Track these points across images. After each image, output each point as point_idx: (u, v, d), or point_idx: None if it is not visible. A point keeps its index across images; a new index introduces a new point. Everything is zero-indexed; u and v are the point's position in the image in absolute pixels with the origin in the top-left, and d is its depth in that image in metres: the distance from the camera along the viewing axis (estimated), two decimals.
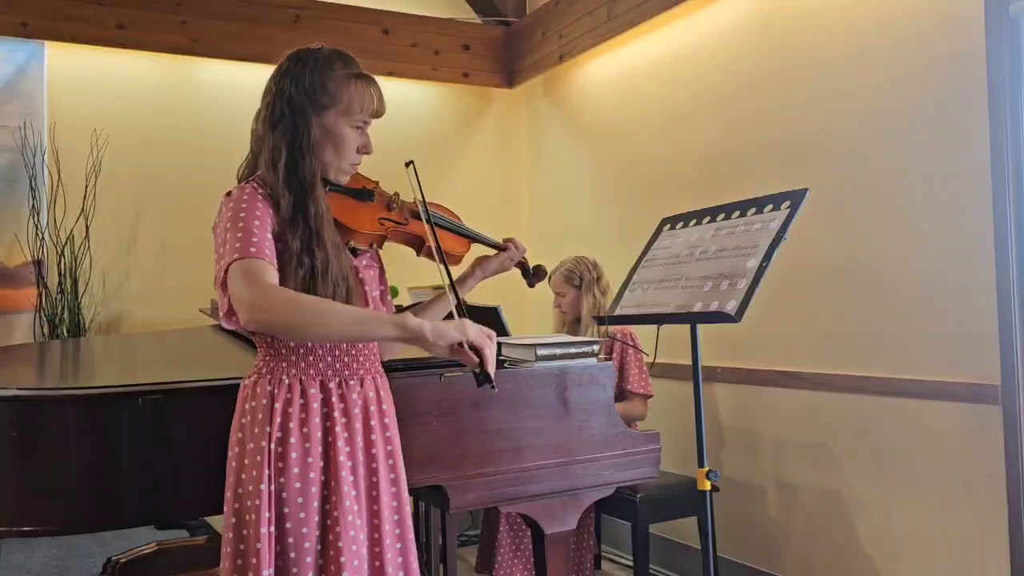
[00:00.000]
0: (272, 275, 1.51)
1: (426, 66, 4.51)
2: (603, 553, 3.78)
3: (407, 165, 1.76)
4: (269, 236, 1.54)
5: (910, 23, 2.72)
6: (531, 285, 2.12)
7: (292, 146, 1.61)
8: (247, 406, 1.61)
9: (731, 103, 3.42)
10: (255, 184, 1.61)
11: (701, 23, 3.57)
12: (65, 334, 3.72)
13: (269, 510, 1.53)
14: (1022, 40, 2.46)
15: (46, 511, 1.76)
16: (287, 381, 1.60)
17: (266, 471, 1.54)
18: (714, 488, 2.21)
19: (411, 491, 1.73)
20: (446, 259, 1.78)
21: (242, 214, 1.54)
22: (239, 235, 1.52)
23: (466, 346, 1.54)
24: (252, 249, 1.50)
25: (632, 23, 3.77)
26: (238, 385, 1.68)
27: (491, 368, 1.54)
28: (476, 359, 1.54)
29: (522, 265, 2.05)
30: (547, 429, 2.09)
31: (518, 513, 2.16)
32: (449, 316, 1.69)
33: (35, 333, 3.73)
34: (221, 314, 1.57)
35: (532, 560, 2.49)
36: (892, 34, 2.77)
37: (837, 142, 2.96)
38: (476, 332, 1.55)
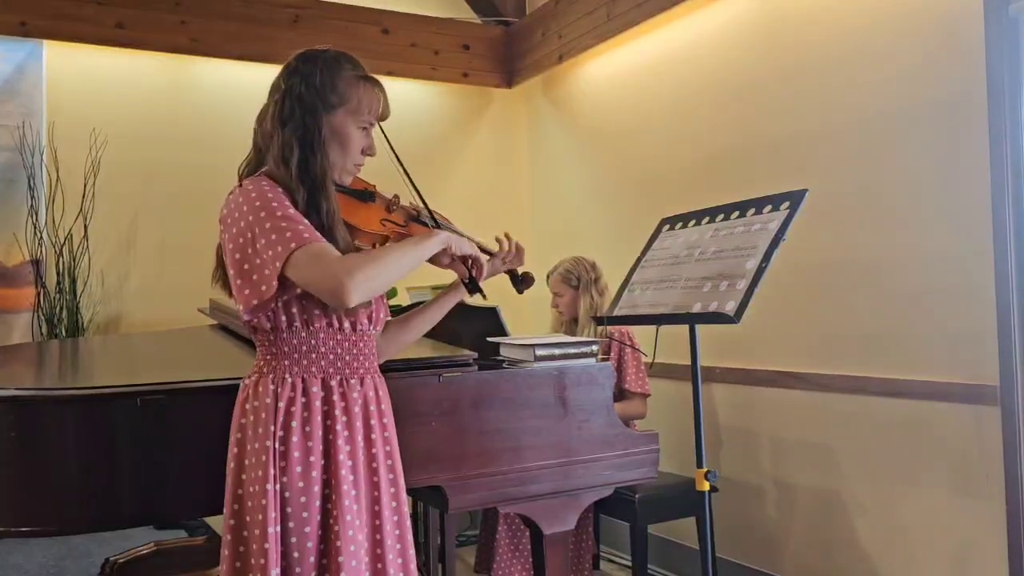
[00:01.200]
0: (336, 252, 1.54)
1: (425, 66, 4.51)
2: (602, 553, 3.78)
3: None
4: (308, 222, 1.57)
5: (910, 23, 2.72)
6: (519, 292, 2.11)
7: (303, 143, 1.61)
8: (247, 406, 1.60)
9: (730, 103, 3.42)
10: (267, 178, 1.62)
11: (700, 23, 3.57)
12: (64, 334, 3.71)
13: (275, 510, 1.53)
14: (1021, 40, 2.46)
15: (44, 511, 1.75)
16: (290, 379, 1.60)
17: (271, 470, 1.53)
18: (713, 488, 2.21)
19: (410, 491, 1.73)
20: (443, 262, 1.82)
21: (274, 203, 1.54)
22: (283, 224, 1.52)
23: (470, 260, 1.74)
24: (306, 235, 1.52)
25: (631, 23, 3.77)
26: (237, 385, 1.67)
27: (481, 279, 1.79)
28: (466, 271, 1.76)
29: (511, 271, 2.05)
30: (546, 429, 2.09)
31: (517, 513, 2.16)
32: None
33: (34, 333, 3.73)
34: (255, 301, 1.53)
35: (531, 560, 2.49)
36: (891, 34, 2.77)
37: (836, 142, 2.96)
38: (475, 247, 1.77)
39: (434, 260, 1.70)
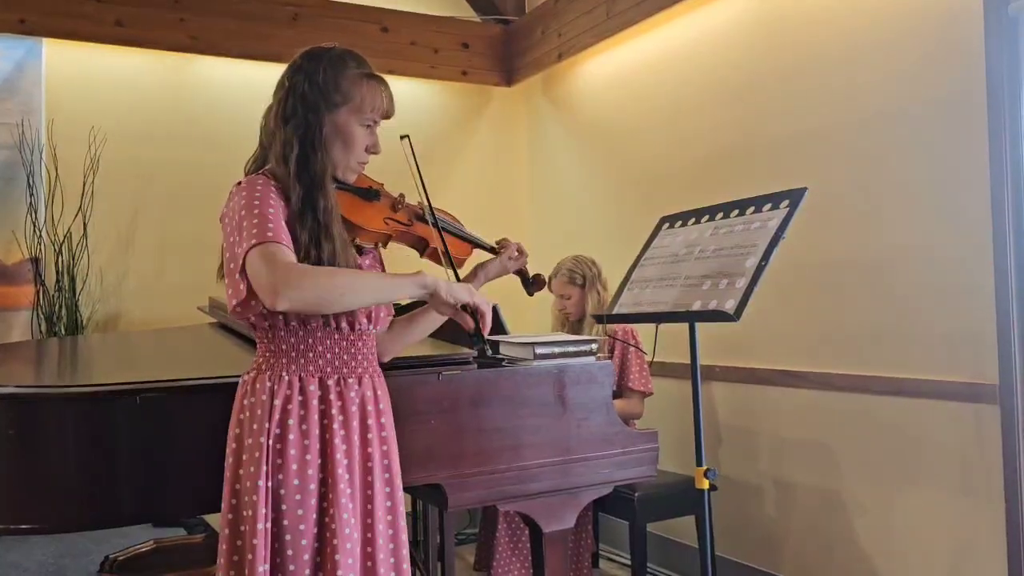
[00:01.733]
0: (291, 256, 1.51)
1: (425, 64, 4.50)
2: (601, 552, 3.78)
3: (402, 139, 1.77)
4: (284, 224, 1.55)
5: (909, 22, 2.72)
6: (530, 294, 2.12)
7: (304, 141, 1.61)
8: (245, 402, 1.61)
9: (730, 102, 3.42)
10: (266, 176, 1.62)
11: (700, 22, 3.57)
12: (63, 332, 3.71)
13: (266, 506, 1.53)
14: (1021, 39, 2.46)
15: (43, 509, 1.75)
16: (287, 377, 1.60)
17: (264, 467, 1.54)
18: (712, 487, 2.21)
19: (409, 489, 1.73)
20: (446, 263, 1.82)
21: (256, 202, 1.54)
22: (255, 221, 1.51)
23: (469, 308, 1.64)
24: (269, 234, 1.50)
25: (631, 22, 3.77)
26: (236, 383, 1.67)
27: (486, 332, 1.67)
28: (472, 322, 1.64)
29: (521, 273, 2.06)
30: (545, 428, 2.09)
31: (516, 511, 2.15)
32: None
33: (33, 331, 3.73)
34: (235, 302, 1.53)
35: (530, 559, 2.49)
36: (891, 33, 2.77)
37: (836, 141, 2.96)
38: (480, 297, 1.66)
39: (436, 309, 1.66)
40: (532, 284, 2.06)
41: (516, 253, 2.02)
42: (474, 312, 1.64)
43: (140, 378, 1.87)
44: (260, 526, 1.52)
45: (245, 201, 1.55)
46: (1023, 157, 2.46)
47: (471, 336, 1.67)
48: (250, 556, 1.52)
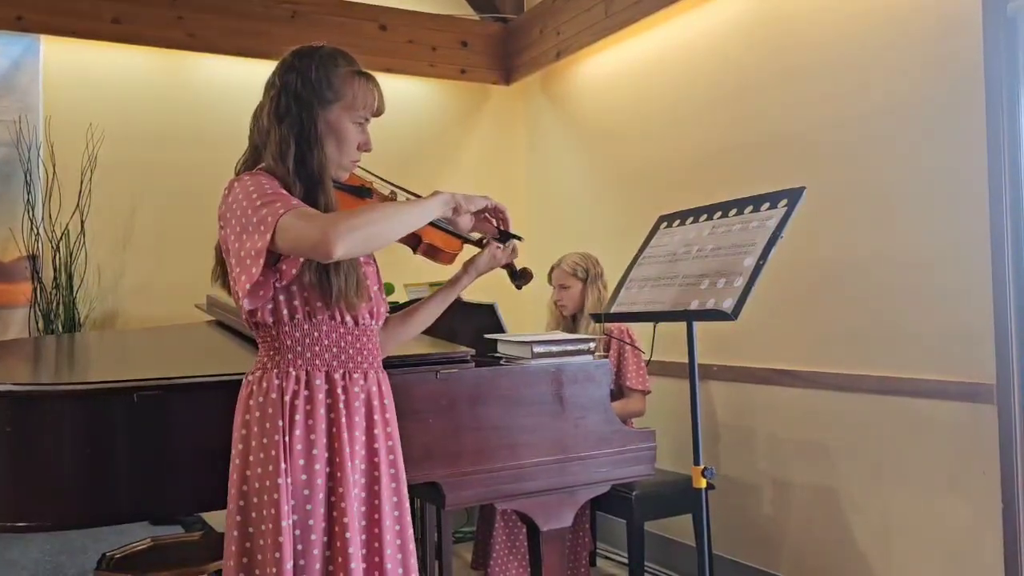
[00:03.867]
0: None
1: (423, 62, 4.50)
2: (598, 550, 3.78)
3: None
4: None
5: (908, 22, 2.72)
6: (518, 287, 2.11)
7: (300, 139, 1.61)
8: (252, 402, 1.60)
9: (728, 101, 3.42)
10: (263, 173, 1.61)
11: (698, 21, 3.57)
12: (60, 329, 3.71)
13: (288, 503, 1.53)
14: (1019, 39, 2.47)
15: (41, 507, 1.75)
16: (294, 372, 1.60)
17: (282, 464, 1.54)
18: (710, 486, 2.21)
19: (407, 488, 1.73)
20: (440, 258, 1.84)
21: (267, 186, 1.55)
22: (274, 197, 1.51)
23: (488, 209, 1.76)
24: (294, 203, 1.52)
25: (629, 21, 3.77)
26: (234, 381, 1.67)
27: (510, 228, 1.81)
28: (494, 225, 1.79)
29: (509, 266, 2.06)
30: (543, 426, 2.09)
31: (514, 510, 2.16)
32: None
33: (30, 328, 3.72)
34: (248, 286, 1.51)
35: (527, 557, 2.50)
36: (890, 33, 2.77)
37: (834, 141, 2.96)
38: (495, 200, 1.76)
39: (456, 225, 1.71)
40: (520, 277, 2.06)
41: (507, 248, 2.01)
42: (493, 212, 1.77)
43: (137, 376, 1.87)
44: (284, 523, 1.52)
45: (254, 188, 1.54)
46: (1021, 157, 2.46)
47: (496, 238, 1.81)
48: (277, 554, 1.51)
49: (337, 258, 1.45)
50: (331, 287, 1.59)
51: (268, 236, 1.47)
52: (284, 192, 1.55)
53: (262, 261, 1.49)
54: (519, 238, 1.85)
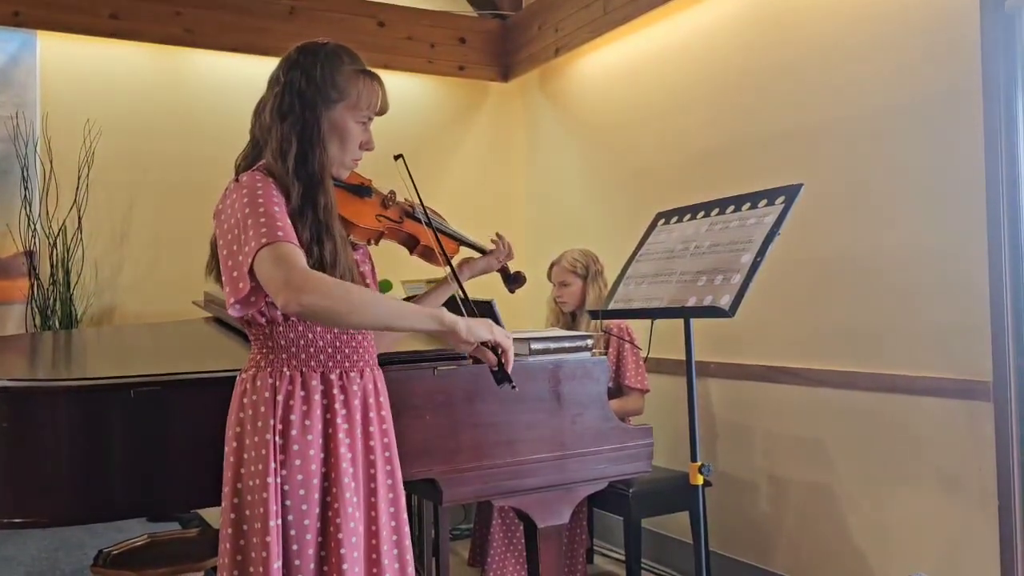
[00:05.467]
0: (304, 260, 1.49)
1: (421, 59, 4.50)
2: (595, 547, 3.78)
3: (396, 159, 1.76)
4: (289, 222, 1.53)
5: (905, 19, 2.72)
6: (511, 291, 2.12)
7: (302, 138, 1.60)
8: (245, 400, 1.60)
9: (726, 98, 3.42)
10: (263, 173, 1.60)
11: (696, 18, 3.57)
12: (57, 326, 3.70)
13: (276, 503, 1.53)
14: (1017, 36, 2.47)
15: (37, 503, 1.75)
16: (288, 373, 1.59)
17: (272, 464, 1.53)
18: (706, 483, 2.21)
19: (404, 484, 1.73)
20: (436, 260, 1.83)
21: (260, 199, 1.52)
22: (262, 220, 1.49)
23: (490, 345, 1.60)
24: (280, 233, 1.48)
25: (628, 17, 3.77)
26: (231, 378, 1.67)
27: (510, 368, 1.62)
28: (495, 358, 1.61)
29: (503, 270, 2.06)
30: (540, 423, 2.09)
31: (511, 507, 2.16)
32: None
33: (27, 324, 3.72)
34: (233, 299, 1.51)
35: (525, 554, 2.50)
36: (887, 30, 2.77)
37: (832, 137, 2.96)
38: (501, 333, 1.62)
39: (455, 347, 1.60)
40: (513, 281, 2.07)
41: (505, 252, 2.03)
42: (495, 348, 1.60)
43: (134, 372, 1.87)
44: (272, 523, 1.52)
45: (248, 199, 1.53)
46: (1019, 154, 2.46)
47: (493, 372, 1.62)
48: (264, 553, 1.51)
49: (290, 312, 1.46)
50: None
51: (248, 263, 1.47)
52: (274, 209, 1.52)
53: (249, 283, 1.49)
54: (513, 385, 1.62)
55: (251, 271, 1.48)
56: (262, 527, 1.52)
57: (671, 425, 3.27)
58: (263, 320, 1.61)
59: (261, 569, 1.52)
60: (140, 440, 1.78)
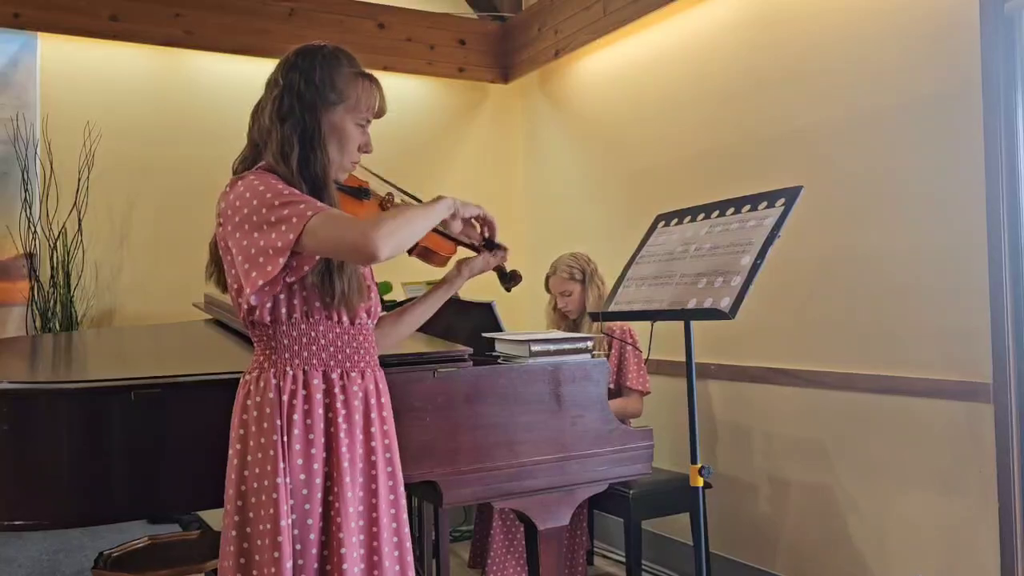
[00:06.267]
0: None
1: (421, 61, 4.50)
2: (596, 549, 3.78)
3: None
4: None
5: (905, 21, 2.72)
6: (507, 289, 2.11)
7: (303, 140, 1.60)
8: (249, 402, 1.60)
9: (726, 100, 3.42)
10: (267, 171, 1.60)
11: (696, 20, 3.57)
12: (57, 328, 3.70)
13: (287, 503, 1.53)
14: (1016, 38, 2.47)
15: (37, 505, 1.75)
16: (291, 372, 1.60)
17: (281, 464, 1.53)
18: (707, 484, 2.21)
19: (404, 486, 1.73)
20: (434, 260, 1.85)
21: (280, 186, 1.54)
22: (295, 198, 1.51)
23: (479, 219, 1.77)
24: (320, 204, 1.52)
25: (627, 19, 3.77)
26: (232, 379, 1.67)
27: (496, 238, 1.84)
28: (479, 234, 1.82)
29: (499, 269, 2.06)
30: (541, 425, 2.09)
31: (511, 509, 2.16)
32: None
33: (27, 326, 3.72)
34: (262, 281, 1.50)
35: (525, 556, 2.50)
36: (887, 32, 2.78)
37: (832, 139, 2.96)
38: (487, 211, 1.78)
39: (448, 227, 1.69)
40: (509, 279, 2.07)
41: (501, 251, 2.02)
42: (483, 221, 1.78)
43: (135, 374, 1.87)
44: (283, 523, 1.52)
45: (265, 187, 1.53)
46: (1018, 155, 2.46)
47: (483, 245, 1.83)
48: (276, 554, 1.51)
49: (383, 259, 1.47)
50: (334, 289, 1.59)
51: (292, 236, 1.47)
52: (301, 193, 1.55)
53: (282, 260, 1.48)
54: (504, 248, 1.87)
55: (297, 242, 1.47)
56: (272, 528, 1.52)
57: (671, 427, 3.27)
58: (268, 319, 1.61)
59: (272, 570, 1.51)
60: (141, 442, 1.78)
